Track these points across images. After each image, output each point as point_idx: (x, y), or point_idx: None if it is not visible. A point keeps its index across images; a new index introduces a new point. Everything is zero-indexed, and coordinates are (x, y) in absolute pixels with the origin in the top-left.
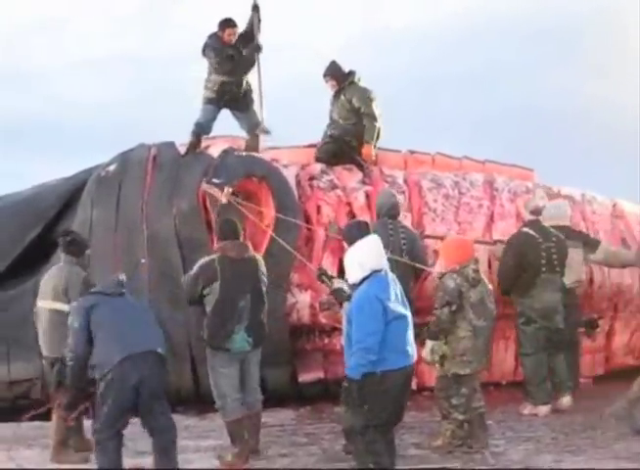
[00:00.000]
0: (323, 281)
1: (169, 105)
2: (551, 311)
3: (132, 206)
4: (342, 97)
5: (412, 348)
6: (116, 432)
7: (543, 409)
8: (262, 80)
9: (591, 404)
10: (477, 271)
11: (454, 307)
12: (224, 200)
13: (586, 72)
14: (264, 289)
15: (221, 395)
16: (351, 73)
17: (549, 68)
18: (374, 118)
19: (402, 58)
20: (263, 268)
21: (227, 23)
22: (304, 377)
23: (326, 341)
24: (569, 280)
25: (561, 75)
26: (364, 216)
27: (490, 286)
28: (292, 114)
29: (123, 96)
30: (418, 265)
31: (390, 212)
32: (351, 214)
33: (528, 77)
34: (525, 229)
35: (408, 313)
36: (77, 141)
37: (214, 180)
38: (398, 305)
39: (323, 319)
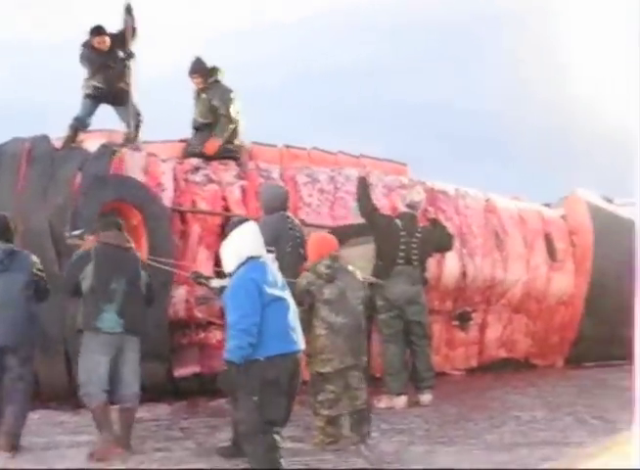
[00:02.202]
0: (200, 283)
1: (56, 94)
2: (404, 303)
3: (5, 200)
4: (204, 95)
5: (296, 334)
6: None
7: (399, 401)
8: (134, 86)
9: (464, 396)
10: (330, 267)
11: (306, 306)
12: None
13: (468, 68)
14: (144, 282)
15: (86, 382)
16: (215, 70)
17: (429, 63)
18: (229, 121)
19: (287, 51)
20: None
21: (95, 32)
22: (180, 372)
23: (202, 335)
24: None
25: (440, 71)
26: (239, 211)
27: (360, 278)
28: (170, 105)
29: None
30: None
31: (284, 205)
32: (227, 209)
33: (409, 73)
34: (396, 220)
35: (289, 298)
36: None
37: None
38: (276, 289)
39: (199, 314)
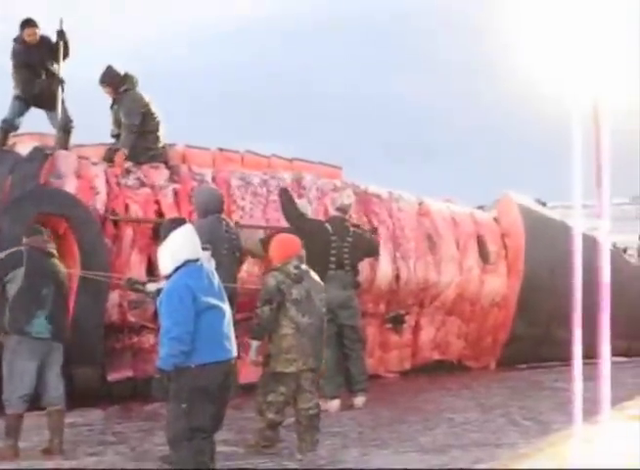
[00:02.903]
0: (136, 289)
1: None
2: (336, 307)
3: None
4: (116, 106)
5: (230, 342)
6: None
7: (333, 405)
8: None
9: (398, 399)
10: (298, 267)
11: (274, 305)
12: None
13: (403, 70)
14: (66, 290)
15: (10, 388)
16: (126, 78)
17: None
18: (131, 131)
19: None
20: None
21: (26, 24)
22: (113, 376)
23: (135, 339)
24: None
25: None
26: (173, 214)
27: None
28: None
29: None
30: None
31: (219, 208)
32: (160, 212)
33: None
34: (326, 224)
35: (224, 306)
36: None
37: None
38: (212, 297)
39: (132, 318)
